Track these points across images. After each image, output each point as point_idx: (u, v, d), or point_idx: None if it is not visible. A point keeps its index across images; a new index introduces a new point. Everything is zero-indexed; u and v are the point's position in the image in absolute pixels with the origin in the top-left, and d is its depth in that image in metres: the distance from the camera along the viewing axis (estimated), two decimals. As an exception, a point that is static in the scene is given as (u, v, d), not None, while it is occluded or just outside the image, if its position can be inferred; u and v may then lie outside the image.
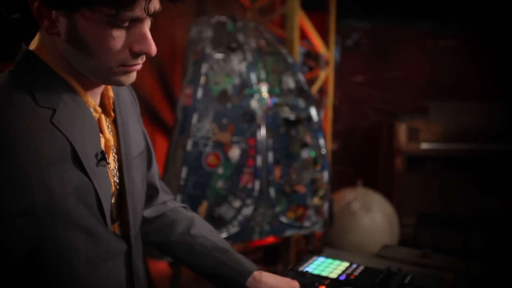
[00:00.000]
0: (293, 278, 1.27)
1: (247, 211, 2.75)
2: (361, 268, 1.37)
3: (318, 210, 3.04)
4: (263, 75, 2.79)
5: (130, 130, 1.00)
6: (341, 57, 4.65)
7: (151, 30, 0.88)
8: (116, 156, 0.96)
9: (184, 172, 2.55)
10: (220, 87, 2.65)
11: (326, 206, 3.08)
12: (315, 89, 3.68)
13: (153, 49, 0.83)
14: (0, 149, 0.74)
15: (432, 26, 4.60)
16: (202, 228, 1.14)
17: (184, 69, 2.78)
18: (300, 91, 2.95)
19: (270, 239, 3.34)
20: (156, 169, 1.17)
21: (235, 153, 2.67)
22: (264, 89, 2.76)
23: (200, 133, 2.58)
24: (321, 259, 1.44)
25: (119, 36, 0.80)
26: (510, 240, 3.83)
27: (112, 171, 0.94)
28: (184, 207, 1.21)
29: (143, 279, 1.05)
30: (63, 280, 0.83)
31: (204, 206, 2.62)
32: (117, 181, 0.96)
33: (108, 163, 0.91)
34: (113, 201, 0.94)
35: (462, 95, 4.37)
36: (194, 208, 2.59)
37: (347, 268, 1.37)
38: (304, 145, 2.92)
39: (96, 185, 0.85)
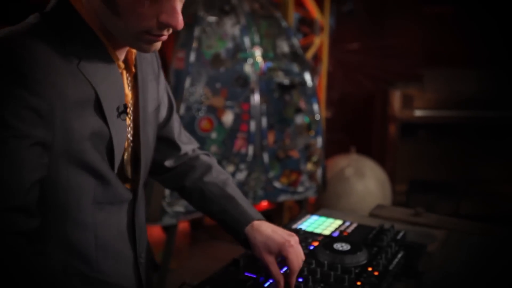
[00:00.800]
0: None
1: (241, 176, 2.76)
2: (354, 225, 1.38)
3: (311, 175, 3.06)
4: (256, 39, 2.75)
5: (149, 87, 1.02)
6: (336, 24, 4.58)
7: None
8: (132, 114, 0.98)
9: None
10: (213, 51, 2.61)
11: (319, 172, 3.09)
12: (309, 55, 3.65)
13: (180, 22, 0.84)
14: (29, 81, 0.77)
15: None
16: (215, 176, 1.16)
17: (176, 32, 2.74)
18: (294, 56, 2.92)
19: (264, 205, 3.37)
20: (175, 123, 1.17)
21: (228, 118, 2.66)
22: (257, 53, 2.73)
23: (193, 97, 2.56)
24: (314, 217, 1.45)
25: (149, 4, 0.81)
26: (501, 205, 3.88)
27: (127, 126, 0.96)
28: (206, 154, 1.22)
29: (143, 228, 1.09)
30: (70, 216, 0.88)
31: (197, 171, 2.62)
32: (131, 138, 0.98)
33: (128, 117, 0.94)
34: (126, 157, 0.97)
35: (458, 62, 4.35)
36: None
37: (340, 226, 1.38)
38: (298, 110, 2.91)
39: (113, 135, 0.89)
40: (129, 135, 0.97)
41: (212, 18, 2.64)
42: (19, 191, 0.77)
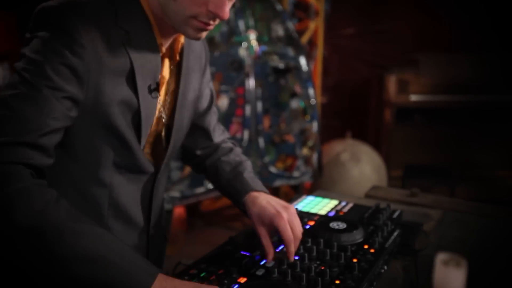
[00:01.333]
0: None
1: (236, 161, 2.75)
2: (350, 205, 1.38)
3: (307, 160, 3.05)
4: (251, 22, 2.73)
5: (192, 76, 1.10)
6: (331, 9, 4.55)
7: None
8: (168, 98, 1.06)
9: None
10: (207, 35, 2.58)
11: (315, 157, 3.08)
12: (304, 40, 3.62)
13: (226, 13, 0.92)
14: (75, 44, 0.87)
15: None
16: (232, 157, 1.23)
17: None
18: (289, 40, 2.90)
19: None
20: (212, 116, 1.26)
21: (223, 102, 2.64)
22: (252, 36, 2.70)
23: (188, 81, 2.54)
24: (310, 198, 1.45)
25: None
26: (495, 189, 3.90)
27: (161, 105, 1.03)
28: (233, 143, 1.30)
29: (160, 204, 1.16)
30: (90, 171, 0.96)
31: (193, 156, 2.61)
32: (165, 117, 1.05)
33: (158, 96, 1.00)
34: (163, 133, 1.06)
35: (453, 47, 4.34)
36: (183, 157, 2.58)
37: (336, 206, 1.37)
38: (293, 94, 2.90)
39: (142, 108, 0.95)
40: (163, 114, 1.04)
41: (206, 1, 2.61)
42: (37, 131, 0.84)
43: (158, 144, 1.07)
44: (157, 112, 1.02)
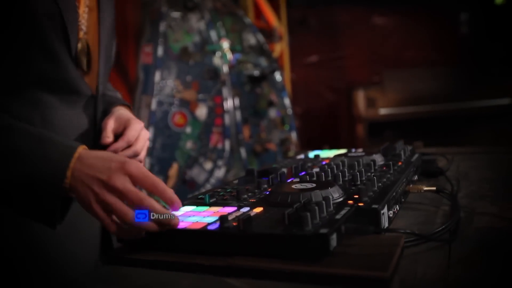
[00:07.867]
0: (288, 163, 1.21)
1: (220, 173, 2.66)
2: (360, 149, 1.33)
3: (290, 171, 3.00)
4: (223, 32, 2.75)
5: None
6: (291, 37, 4.68)
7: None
8: (89, 14, 0.92)
9: (150, 132, 2.44)
10: (180, 44, 2.57)
11: (297, 168, 3.04)
12: (271, 62, 3.68)
13: None
14: None
15: (376, 3, 4.76)
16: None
17: (140, 30, 2.68)
18: (261, 50, 2.92)
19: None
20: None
21: (202, 111, 2.59)
22: (225, 45, 2.71)
23: (164, 91, 2.48)
24: (317, 151, 1.39)
25: None
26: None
27: (81, 18, 0.91)
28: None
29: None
30: (11, 86, 0.82)
31: (175, 168, 2.50)
32: (84, 29, 0.91)
33: None
34: (79, 46, 0.90)
35: (412, 64, 4.52)
36: (165, 170, 2.47)
37: (346, 152, 1.32)
38: (270, 103, 2.88)
39: (63, 12, 0.82)
40: (83, 26, 0.90)
41: (176, 14, 2.61)
42: None
43: (78, 58, 0.90)
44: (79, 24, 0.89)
